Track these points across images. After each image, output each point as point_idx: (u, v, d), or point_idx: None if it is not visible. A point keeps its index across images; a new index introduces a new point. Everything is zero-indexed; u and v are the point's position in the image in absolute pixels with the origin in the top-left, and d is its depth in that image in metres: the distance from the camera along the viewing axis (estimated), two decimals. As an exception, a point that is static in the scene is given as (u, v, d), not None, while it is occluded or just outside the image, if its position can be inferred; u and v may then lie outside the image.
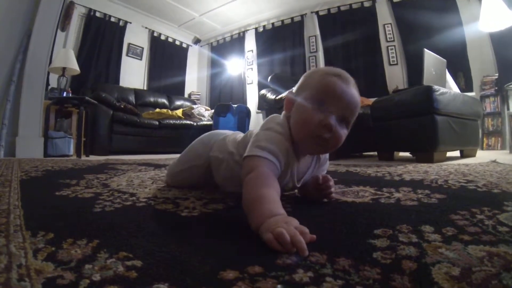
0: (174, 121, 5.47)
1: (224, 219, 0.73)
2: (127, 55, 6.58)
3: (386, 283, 0.36)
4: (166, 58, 7.33)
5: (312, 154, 0.87)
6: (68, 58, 4.11)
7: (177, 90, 7.46)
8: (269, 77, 4.44)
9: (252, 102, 7.04)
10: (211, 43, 8.09)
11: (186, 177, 1.14)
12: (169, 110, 5.85)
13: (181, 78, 7.71)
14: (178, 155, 1.21)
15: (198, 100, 7.73)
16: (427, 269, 0.39)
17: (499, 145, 4.51)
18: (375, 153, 3.33)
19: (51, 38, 3.77)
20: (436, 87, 2.52)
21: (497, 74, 4.60)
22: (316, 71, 0.83)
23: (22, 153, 3.44)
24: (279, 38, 6.88)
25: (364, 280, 0.37)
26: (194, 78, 8.18)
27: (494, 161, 2.19)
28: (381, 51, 5.73)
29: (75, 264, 0.42)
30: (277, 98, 3.82)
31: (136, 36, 6.72)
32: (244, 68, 7.40)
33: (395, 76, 5.57)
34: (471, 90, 4.79)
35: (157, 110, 5.64)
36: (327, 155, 0.97)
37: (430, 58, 2.87)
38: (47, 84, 4.17)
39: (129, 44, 6.60)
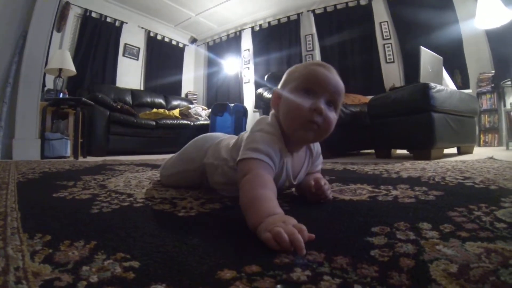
0: (171, 121, 5.45)
1: (221, 219, 0.73)
2: (123, 55, 6.55)
3: (384, 280, 0.36)
4: (163, 58, 7.30)
5: (306, 142, 0.87)
6: (64, 59, 4.09)
7: (174, 90, 7.44)
8: (266, 76, 4.43)
9: (249, 101, 7.03)
10: (208, 43, 8.07)
11: (180, 179, 1.15)
12: (166, 110, 5.83)
13: (178, 78, 7.69)
14: (175, 154, 1.21)
15: (195, 99, 7.72)
16: (425, 266, 0.40)
17: (496, 141, 4.53)
18: (373, 151, 3.34)
19: (47, 39, 3.75)
20: (432, 84, 2.53)
21: (493, 71, 4.62)
22: (298, 65, 0.85)
23: (19, 155, 3.42)
24: (275, 37, 6.86)
25: (362, 278, 0.37)
26: (191, 78, 8.17)
27: (491, 158, 2.20)
28: (377, 49, 5.73)
29: (73, 266, 0.42)
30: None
31: (132, 36, 6.69)
32: (241, 67, 7.38)
33: (392, 74, 5.57)
34: (467, 87, 4.79)
35: (154, 110, 5.62)
36: (319, 149, 0.98)
37: (427, 55, 2.87)
38: (43, 85, 4.16)
39: (125, 44, 6.57)
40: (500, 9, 3.89)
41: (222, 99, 6.88)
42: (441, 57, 3.11)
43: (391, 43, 5.64)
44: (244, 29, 7.32)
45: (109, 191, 1.11)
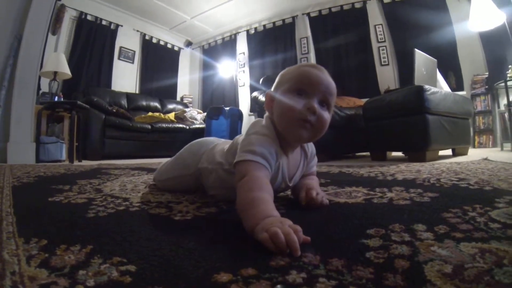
0: (166, 125, 5.44)
1: (217, 222, 0.73)
2: (118, 58, 6.54)
3: (379, 282, 0.36)
4: (158, 61, 7.30)
5: (301, 141, 0.87)
6: (59, 62, 4.08)
7: (169, 93, 7.44)
8: (261, 79, 4.44)
9: (244, 105, 7.04)
10: (203, 46, 8.07)
11: (175, 184, 1.16)
12: (162, 114, 5.82)
13: (173, 81, 7.69)
14: (169, 159, 1.22)
15: (190, 103, 7.71)
16: (419, 267, 0.40)
17: (490, 142, 4.56)
18: (368, 153, 3.35)
19: (42, 42, 3.74)
20: (427, 86, 2.54)
21: (487, 73, 4.66)
22: (290, 67, 0.87)
23: (14, 159, 3.40)
24: (270, 40, 6.88)
25: (357, 280, 0.37)
26: (186, 81, 8.16)
27: (486, 159, 2.21)
28: (372, 52, 5.76)
29: (69, 270, 0.42)
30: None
31: (127, 39, 6.69)
32: (236, 71, 7.39)
33: (387, 76, 5.60)
34: (461, 89, 4.83)
35: (150, 114, 5.61)
36: (313, 150, 0.98)
37: (421, 58, 2.89)
38: (38, 88, 4.14)
39: (120, 47, 6.56)
40: (493, 11, 3.92)
41: (218, 103, 6.89)
42: (435, 60, 3.13)
43: (385, 46, 5.67)
44: (239, 32, 7.34)
45: (105, 195, 1.10)
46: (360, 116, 3.21)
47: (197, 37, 7.96)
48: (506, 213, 0.66)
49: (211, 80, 7.85)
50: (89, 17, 5.92)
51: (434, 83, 3.02)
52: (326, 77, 0.80)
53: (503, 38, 4.16)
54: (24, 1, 3.58)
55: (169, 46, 7.64)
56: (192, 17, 6.94)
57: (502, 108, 4.35)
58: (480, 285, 0.35)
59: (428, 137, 2.48)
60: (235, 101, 7.23)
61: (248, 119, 6.50)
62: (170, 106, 6.64)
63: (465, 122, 3.12)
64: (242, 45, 7.34)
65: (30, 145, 3.56)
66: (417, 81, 2.72)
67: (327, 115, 0.80)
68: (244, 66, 7.29)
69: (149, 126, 5.16)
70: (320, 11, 6.27)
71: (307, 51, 6.43)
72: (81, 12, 5.79)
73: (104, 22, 6.18)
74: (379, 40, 5.72)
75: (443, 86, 3.26)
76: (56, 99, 4.09)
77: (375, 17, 5.77)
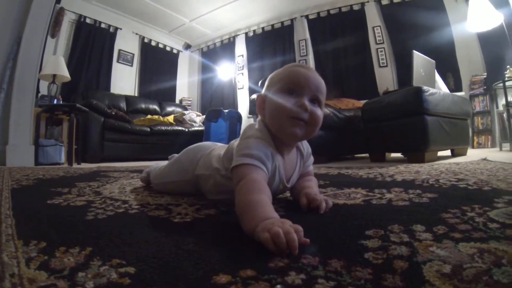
0: (165, 128, 5.44)
1: (216, 224, 0.73)
2: (117, 61, 6.54)
3: (378, 283, 0.36)
4: (157, 64, 7.30)
5: (295, 140, 0.86)
6: (58, 65, 4.08)
7: (168, 96, 7.44)
8: (260, 82, 4.45)
9: (243, 107, 7.04)
10: (202, 49, 8.08)
11: (173, 188, 1.16)
12: (161, 117, 5.82)
13: (172, 84, 7.69)
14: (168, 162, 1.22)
15: (189, 106, 7.71)
16: (418, 268, 0.40)
17: (489, 143, 4.57)
18: (367, 155, 3.35)
19: (41, 44, 3.75)
20: (425, 88, 2.55)
21: (485, 74, 4.67)
22: (278, 70, 0.87)
23: (13, 162, 3.40)
24: (269, 43, 6.89)
25: (356, 281, 0.37)
26: (185, 84, 8.17)
27: (485, 159, 2.21)
28: (371, 54, 5.78)
29: (68, 272, 0.42)
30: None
31: (126, 42, 6.69)
32: (235, 73, 7.40)
33: (385, 78, 5.61)
34: (460, 90, 4.84)
35: (149, 116, 5.61)
36: (309, 149, 0.98)
37: (419, 59, 2.89)
38: (37, 91, 4.14)
39: (119, 50, 6.56)
40: (491, 12, 3.94)
41: (217, 105, 6.89)
42: (433, 61, 3.14)
43: (384, 47, 5.68)
44: (238, 35, 7.35)
45: (104, 197, 1.10)
46: (359, 117, 3.21)
47: (196, 39, 7.98)
48: (505, 213, 0.66)
49: (210, 83, 7.85)
50: (88, 20, 5.92)
51: (432, 84, 3.02)
52: (315, 76, 0.81)
53: (501, 39, 4.18)
54: (24, 4, 3.59)
55: (168, 49, 7.65)
56: (191, 20, 6.95)
57: (501, 108, 4.36)
58: (479, 285, 0.35)
59: (427, 138, 2.48)
60: (234, 104, 7.23)
61: (247, 122, 6.49)
62: (169, 109, 6.64)
63: (464, 123, 3.12)
64: (241, 48, 7.35)
65: (29, 148, 3.56)
66: (415, 82, 2.72)
67: (320, 112, 0.81)
68: (243, 69, 7.30)
69: (148, 129, 5.16)
70: (318, 13, 6.29)
71: (305, 53, 6.44)
72: (80, 15, 5.79)
73: (103, 25, 6.18)
74: (378, 42, 5.74)
75: (441, 87, 3.26)
76: (55, 102, 4.09)
77: (373, 19, 5.79)
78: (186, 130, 5.67)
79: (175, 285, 0.38)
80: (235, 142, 0.85)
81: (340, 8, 6.04)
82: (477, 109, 4.64)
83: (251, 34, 7.17)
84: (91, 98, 4.83)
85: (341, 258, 0.44)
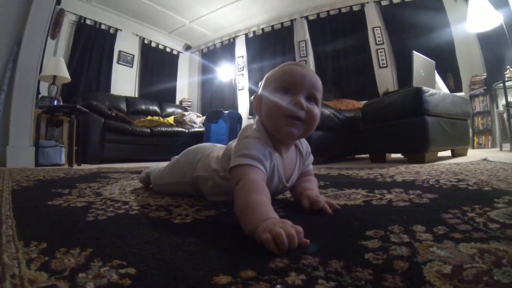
0: (166, 129, 5.45)
1: (216, 225, 0.73)
2: (118, 62, 6.55)
3: (378, 283, 0.36)
4: (157, 65, 7.31)
5: (292, 139, 0.86)
6: (58, 66, 4.08)
7: (168, 97, 7.46)
8: (260, 82, 4.45)
9: (243, 108, 7.05)
10: (202, 50, 8.09)
11: (173, 189, 1.16)
12: (161, 118, 5.83)
13: (172, 85, 7.71)
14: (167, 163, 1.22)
15: (189, 107, 7.73)
16: (418, 268, 0.40)
17: (489, 143, 4.57)
18: (367, 155, 3.35)
19: (41, 46, 3.76)
20: (425, 88, 2.55)
21: (485, 74, 4.67)
22: (274, 69, 0.87)
23: (13, 163, 3.40)
24: (269, 44, 6.90)
25: (356, 281, 0.37)
26: (185, 85, 8.18)
27: (485, 159, 2.21)
28: (370, 54, 5.78)
29: (69, 273, 0.42)
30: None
31: (126, 43, 6.71)
32: (235, 74, 7.40)
33: (385, 78, 5.61)
34: (460, 90, 4.85)
35: (149, 117, 5.61)
36: (308, 148, 0.98)
37: (419, 60, 2.89)
38: (38, 92, 4.15)
39: (119, 51, 6.58)
40: (490, 12, 3.94)
41: (217, 106, 6.89)
42: (433, 61, 3.14)
43: (384, 48, 5.69)
44: (238, 36, 7.36)
45: (105, 198, 1.10)
46: (359, 118, 3.21)
47: (196, 41, 7.99)
48: (505, 213, 0.66)
49: (210, 84, 7.86)
50: (88, 22, 5.94)
51: (432, 84, 3.02)
52: (310, 73, 0.81)
53: (501, 39, 4.17)
54: (24, 5, 3.60)
55: (168, 50, 7.66)
56: (191, 21, 6.96)
57: (501, 108, 4.36)
58: (479, 285, 0.35)
59: (427, 139, 2.48)
60: (234, 105, 7.24)
61: (247, 123, 6.46)
62: (169, 110, 6.65)
63: (464, 123, 3.12)
64: (241, 49, 7.36)
65: (29, 149, 3.56)
66: (415, 83, 2.72)
67: (316, 109, 0.80)
68: (243, 70, 7.31)
69: (148, 130, 5.17)
70: (318, 14, 6.29)
71: (305, 54, 6.44)
72: (80, 17, 5.80)
73: (103, 26, 6.20)
74: (378, 43, 5.74)
75: (441, 87, 3.26)
76: (55, 103, 4.09)
77: (373, 20, 5.79)
78: (186, 131, 5.68)
79: (176, 286, 0.38)
80: (233, 143, 0.85)
81: (340, 9, 6.05)
82: (477, 109, 4.64)
83: (251, 35, 7.18)
84: (92, 99, 4.83)
85: (341, 258, 0.44)
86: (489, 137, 4.58)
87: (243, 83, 7.30)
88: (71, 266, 0.44)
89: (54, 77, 4.04)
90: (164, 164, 1.31)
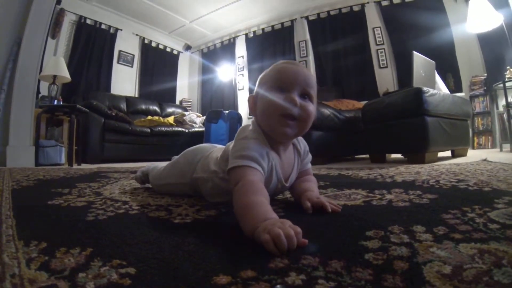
0: (166, 128, 5.45)
1: (216, 225, 0.73)
2: (118, 62, 6.55)
3: (378, 283, 0.36)
4: (157, 65, 7.31)
5: (288, 137, 0.85)
6: (58, 66, 4.08)
7: (168, 97, 7.45)
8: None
9: (243, 108, 7.04)
10: (202, 50, 8.08)
11: (172, 190, 1.16)
12: (161, 118, 5.82)
13: (172, 85, 7.70)
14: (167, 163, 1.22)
15: (189, 106, 7.72)
16: (418, 268, 0.40)
17: (489, 143, 4.57)
18: (367, 155, 3.35)
19: (42, 45, 3.75)
20: (425, 88, 2.55)
21: (485, 74, 4.67)
22: (266, 69, 0.87)
23: (13, 163, 3.40)
24: (269, 44, 6.90)
25: (356, 281, 0.37)
26: (185, 85, 8.17)
27: (485, 160, 2.21)
28: (371, 54, 5.77)
29: (69, 273, 0.42)
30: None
31: (127, 43, 6.70)
32: (235, 74, 7.40)
33: (385, 78, 5.61)
34: (460, 90, 4.85)
35: (149, 117, 5.61)
36: (306, 147, 0.97)
37: (419, 60, 2.89)
38: (38, 92, 4.15)
39: (120, 51, 6.57)
40: (491, 13, 3.94)
41: (217, 106, 6.89)
42: (433, 62, 3.14)
43: (384, 48, 5.68)
44: (238, 36, 7.35)
45: (105, 198, 1.10)
46: (359, 118, 3.21)
47: (196, 41, 7.98)
48: (505, 214, 0.66)
49: (210, 84, 7.85)
50: (88, 21, 5.93)
51: (432, 85, 3.02)
52: (303, 70, 0.81)
53: (501, 39, 4.17)
54: (24, 5, 3.60)
55: (168, 50, 7.65)
56: (191, 21, 6.96)
57: (501, 109, 4.36)
58: (479, 285, 0.35)
59: (427, 139, 2.48)
60: (234, 105, 7.23)
61: (247, 123, 6.45)
62: (169, 110, 6.65)
63: (464, 124, 3.12)
64: (241, 49, 7.35)
65: (29, 149, 3.56)
66: (415, 83, 2.72)
67: (311, 106, 0.80)
68: (243, 70, 7.30)
69: (149, 130, 5.17)
70: (318, 14, 6.29)
71: (305, 55, 6.44)
72: (81, 16, 5.80)
73: (103, 26, 6.19)
74: (378, 43, 5.74)
75: (441, 87, 3.26)
76: (55, 102, 4.09)
77: (374, 20, 5.79)
78: (186, 131, 5.68)
79: (176, 286, 0.38)
80: (231, 144, 0.85)
81: (340, 9, 6.04)
82: (477, 109, 4.64)
83: (251, 35, 7.18)
84: (92, 99, 4.83)
85: (341, 258, 0.44)
86: (489, 137, 4.58)
87: (243, 83, 7.29)
88: (71, 265, 0.44)
89: (54, 76, 4.04)
90: (162, 164, 1.31)
